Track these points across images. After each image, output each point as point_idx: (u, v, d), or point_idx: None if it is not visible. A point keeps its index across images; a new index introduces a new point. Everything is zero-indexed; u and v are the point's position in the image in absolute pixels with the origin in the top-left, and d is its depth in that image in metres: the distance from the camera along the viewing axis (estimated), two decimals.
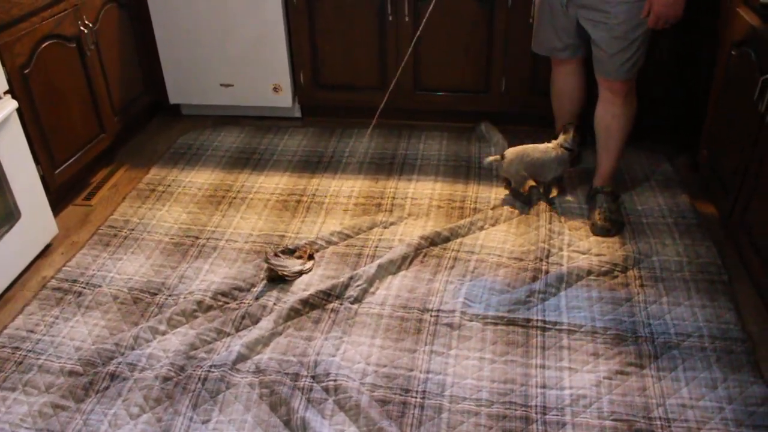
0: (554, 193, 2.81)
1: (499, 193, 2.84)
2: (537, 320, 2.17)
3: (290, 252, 2.47)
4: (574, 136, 2.69)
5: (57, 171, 2.72)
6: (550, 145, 2.71)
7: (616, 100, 2.53)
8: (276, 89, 3.38)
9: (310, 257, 2.46)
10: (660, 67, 2.95)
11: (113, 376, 2.00)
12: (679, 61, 2.98)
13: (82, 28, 2.80)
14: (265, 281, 2.35)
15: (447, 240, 2.55)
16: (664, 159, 3.05)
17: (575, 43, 2.63)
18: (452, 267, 2.41)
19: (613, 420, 1.83)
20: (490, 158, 2.75)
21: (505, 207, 2.73)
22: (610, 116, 2.57)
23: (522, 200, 2.76)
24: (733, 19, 2.48)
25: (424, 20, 2.81)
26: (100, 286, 2.38)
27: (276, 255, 2.40)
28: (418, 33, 2.86)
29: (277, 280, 2.35)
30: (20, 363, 2.07)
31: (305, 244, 2.52)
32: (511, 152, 2.71)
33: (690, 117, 3.01)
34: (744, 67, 2.37)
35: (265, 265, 2.35)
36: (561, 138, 2.70)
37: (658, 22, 2.31)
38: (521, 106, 3.27)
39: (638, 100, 2.58)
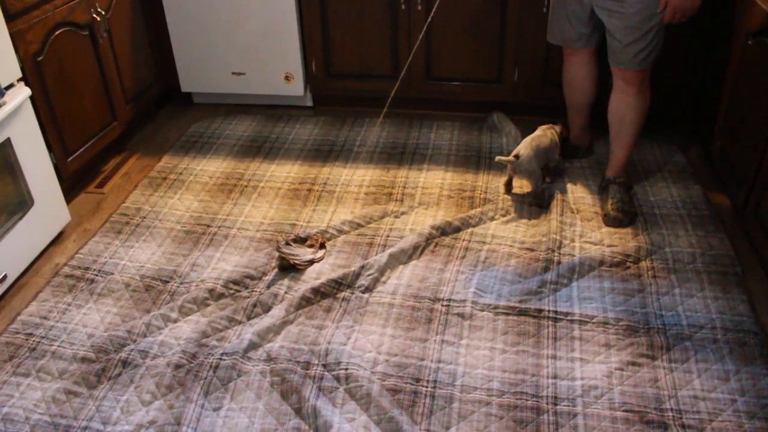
0: (548, 179, 2.79)
1: None
2: (548, 311, 2.16)
3: (302, 241, 2.47)
4: (562, 129, 2.84)
5: (69, 159, 2.73)
6: (539, 131, 2.75)
7: (630, 90, 2.51)
8: (288, 78, 3.37)
9: (322, 246, 2.46)
10: (674, 58, 2.93)
11: (125, 363, 2.01)
12: (693, 51, 2.96)
13: (94, 15, 2.80)
14: (276, 270, 2.36)
15: (458, 230, 2.54)
16: (678, 150, 3.02)
17: (588, 32, 2.61)
18: (463, 257, 2.41)
19: (624, 411, 1.82)
20: (503, 158, 2.60)
21: (516, 198, 2.71)
22: (624, 106, 2.55)
23: (542, 202, 2.66)
24: (750, 8, 2.45)
25: (435, 7, 2.79)
26: (112, 274, 2.39)
27: (287, 244, 2.40)
28: (429, 19, 2.84)
29: (289, 268, 2.35)
30: (34, 349, 2.08)
31: (316, 233, 2.52)
32: (525, 148, 2.61)
33: (704, 108, 2.98)
34: (761, 57, 2.34)
35: (277, 254, 2.36)
36: (557, 128, 2.81)
37: (674, 16, 2.28)
38: (534, 97, 3.25)
39: (652, 91, 2.57)
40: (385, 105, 2.88)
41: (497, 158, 2.63)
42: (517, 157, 2.59)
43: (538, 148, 2.64)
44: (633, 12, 2.35)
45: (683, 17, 2.29)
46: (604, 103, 2.67)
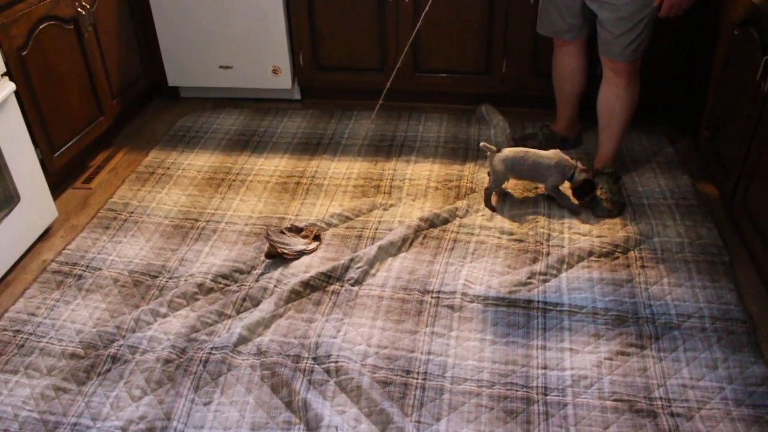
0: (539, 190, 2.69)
1: None
2: (538, 301, 2.17)
3: (297, 231, 2.47)
4: (585, 178, 2.51)
5: (56, 154, 2.70)
6: (554, 151, 2.57)
7: (620, 81, 2.52)
8: (275, 71, 3.36)
9: (316, 238, 2.45)
10: (662, 48, 2.93)
11: (114, 359, 2.00)
12: (681, 41, 2.96)
13: (79, 9, 2.78)
14: (265, 263, 2.35)
15: (446, 221, 2.54)
16: (666, 140, 3.04)
17: (579, 24, 2.61)
18: (452, 248, 2.41)
19: (613, 400, 1.83)
20: (487, 145, 2.59)
21: (503, 190, 2.71)
22: (614, 97, 2.55)
23: (486, 203, 2.61)
24: None
25: (428, 6, 2.78)
26: (100, 269, 2.37)
27: (281, 232, 2.39)
28: (423, 15, 2.83)
29: (275, 256, 2.34)
30: (22, 346, 2.07)
31: (312, 224, 2.52)
32: (510, 150, 2.56)
33: (692, 98, 2.99)
34: (746, 47, 2.35)
35: (267, 243, 2.35)
36: (577, 164, 2.56)
37: (671, 10, 2.28)
38: (522, 88, 3.25)
39: (641, 82, 2.57)
40: (378, 99, 2.88)
41: (482, 144, 2.62)
42: (498, 150, 2.58)
43: (524, 158, 2.53)
44: (624, 3, 2.35)
45: (679, 11, 2.29)
46: (592, 94, 2.68)
